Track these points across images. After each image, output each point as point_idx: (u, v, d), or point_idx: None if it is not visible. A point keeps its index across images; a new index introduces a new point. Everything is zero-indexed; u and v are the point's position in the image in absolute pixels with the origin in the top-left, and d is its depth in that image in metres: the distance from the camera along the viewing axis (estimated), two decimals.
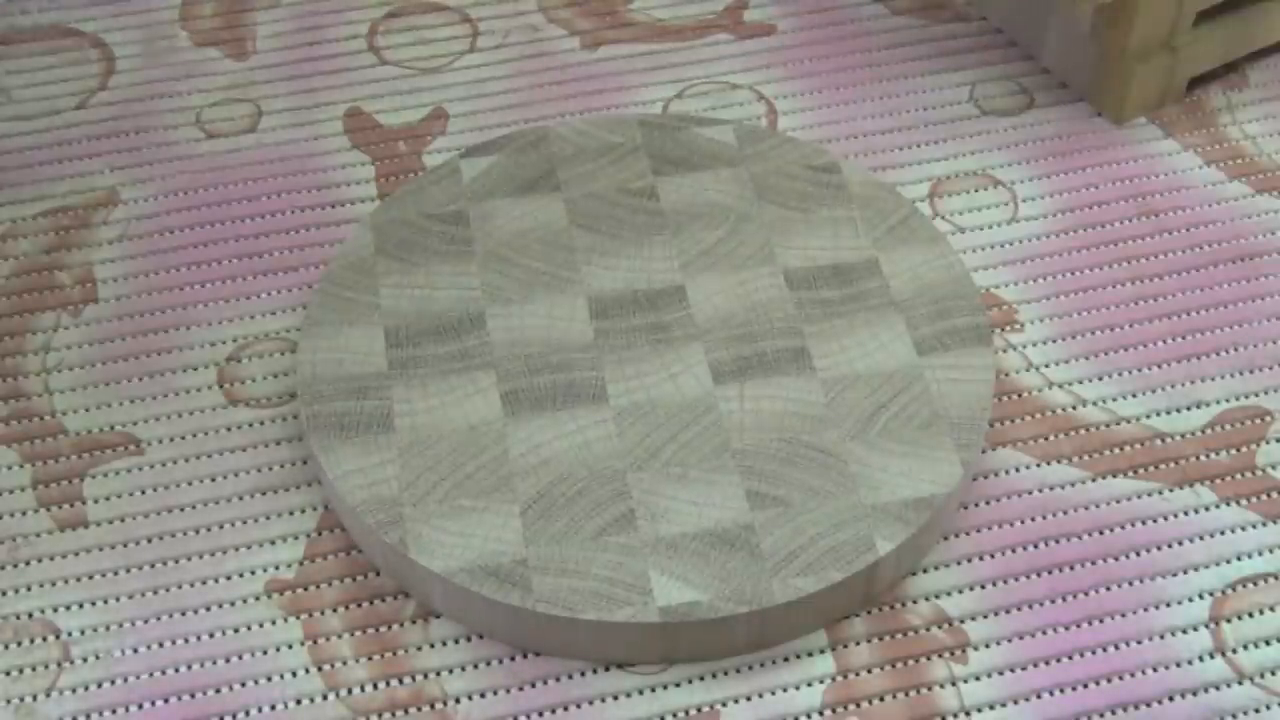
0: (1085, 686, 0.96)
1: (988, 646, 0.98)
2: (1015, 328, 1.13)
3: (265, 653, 0.98)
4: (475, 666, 0.97)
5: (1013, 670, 0.97)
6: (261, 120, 1.28)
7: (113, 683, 0.97)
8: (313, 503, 1.05)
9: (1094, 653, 0.97)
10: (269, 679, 0.97)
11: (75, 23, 1.36)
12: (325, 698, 0.96)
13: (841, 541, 0.98)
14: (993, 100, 1.30)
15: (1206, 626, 0.98)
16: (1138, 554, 1.02)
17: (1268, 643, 0.98)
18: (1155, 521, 1.03)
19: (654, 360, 1.07)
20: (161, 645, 0.98)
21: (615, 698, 0.96)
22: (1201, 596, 1.00)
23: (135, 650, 0.98)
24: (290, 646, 0.98)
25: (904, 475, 1.01)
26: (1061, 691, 0.96)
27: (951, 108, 1.29)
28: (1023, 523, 1.03)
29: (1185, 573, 1.01)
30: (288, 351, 1.13)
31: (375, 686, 0.96)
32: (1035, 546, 1.02)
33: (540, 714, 0.95)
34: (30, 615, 1.00)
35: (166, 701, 0.96)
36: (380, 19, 1.36)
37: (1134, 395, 1.10)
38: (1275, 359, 1.11)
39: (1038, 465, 1.06)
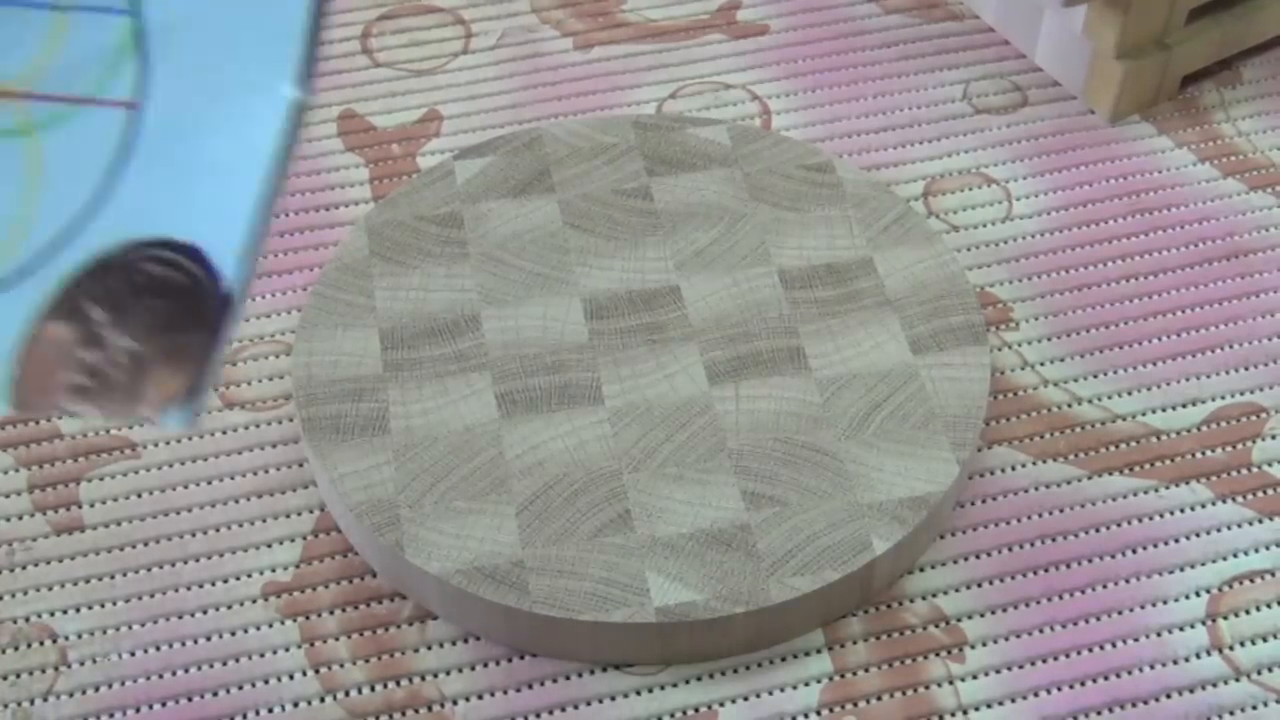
0: (1082, 684, 0.96)
1: (985, 645, 0.98)
2: (1010, 326, 1.14)
3: (263, 655, 0.98)
4: (472, 668, 0.97)
5: (1010, 669, 0.97)
6: None
7: (110, 686, 0.97)
8: (309, 505, 1.05)
9: (1091, 650, 0.97)
10: (266, 681, 0.97)
11: None
12: (323, 700, 0.96)
13: (838, 541, 0.98)
14: (986, 99, 1.30)
15: (1203, 624, 0.99)
16: (1134, 551, 1.02)
17: (1264, 639, 0.98)
18: (1151, 519, 1.03)
19: (649, 361, 1.07)
20: (159, 648, 0.98)
21: (612, 698, 0.96)
22: (1198, 594, 1.00)
23: (133, 654, 0.98)
24: (287, 649, 0.98)
25: (900, 474, 1.01)
26: (1059, 689, 0.96)
27: (945, 106, 1.29)
28: (1019, 521, 1.03)
29: (1182, 570, 1.01)
30: (283, 354, 1.13)
31: (373, 688, 0.96)
32: (1031, 544, 1.02)
33: (538, 715, 0.95)
34: (27, 619, 1.00)
35: (164, 705, 0.96)
36: (373, 21, 1.36)
37: (1129, 393, 1.10)
38: (1270, 356, 1.12)
39: (1033, 463, 1.06)
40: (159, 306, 0.68)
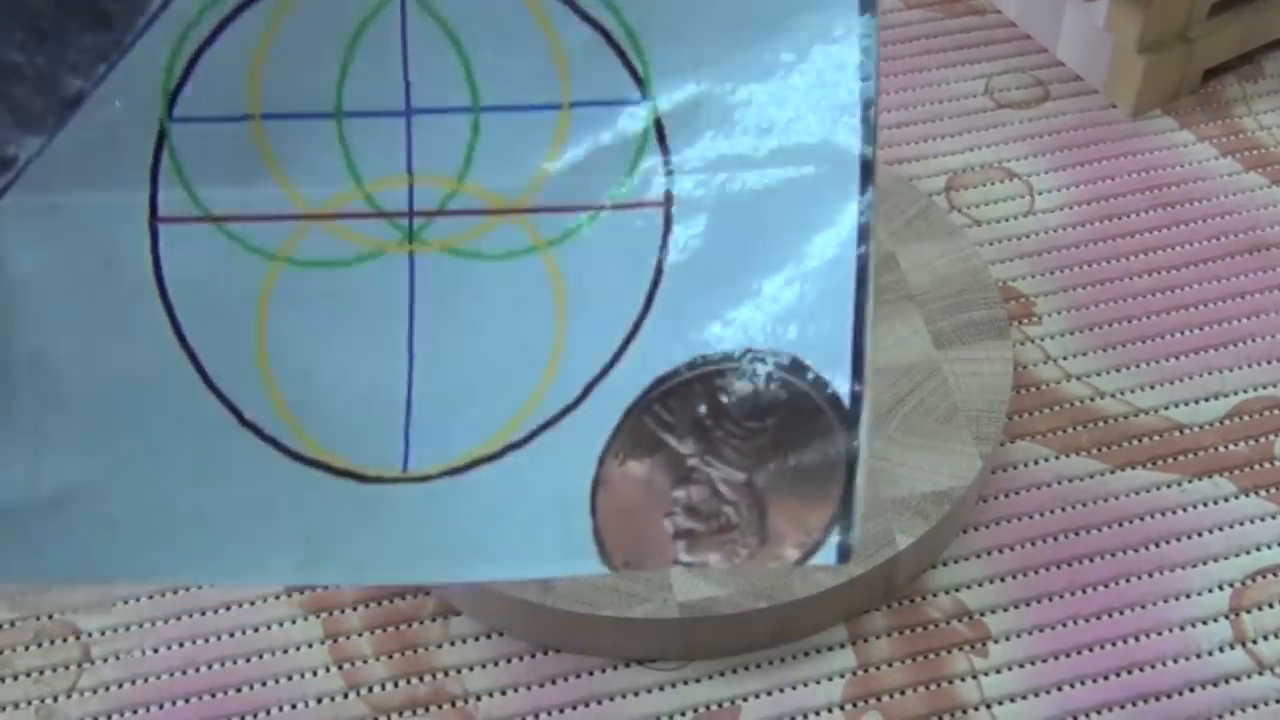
0: (1105, 678, 0.96)
1: (1008, 639, 0.97)
2: (1033, 320, 1.13)
3: (285, 651, 0.98)
4: (495, 664, 0.97)
5: (1033, 663, 0.97)
6: None
7: (133, 683, 0.97)
8: None
9: (1114, 644, 0.97)
10: (289, 678, 0.97)
11: None
12: (346, 696, 0.96)
13: (860, 535, 0.98)
14: (1008, 93, 1.30)
15: (1226, 618, 0.98)
16: (1157, 545, 1.02)
17: None
18: (1174, 513, 1.03)
19: None
20: (182, 645, 0.98)
21: (635, 694, 0.96)
22: (1221, 588, 1.00)
23: (155, 650, 0.98)
24: (310, 645, 0.98)
25: (923, 469, 1.00)
26: (1082, 683, 0.96)
27: (967, 100, 1.29)
28: (1041, 515, 1.03)
29: (1204, 564, 1.01)
30: None
31: (395, 684, 0.96)
32: (1054, 539, 1.02)
33: (560, 710, 0.95)
34: (50, 616, 1.00)
35: (187, 701, 0.96)
36: None
37: (1152, 387, 1.10)
38: None
39: (1056, 457, 1.06)
40: (758, 427, 0.59)
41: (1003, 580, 1.00)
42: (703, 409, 0.60)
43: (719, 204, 0.61)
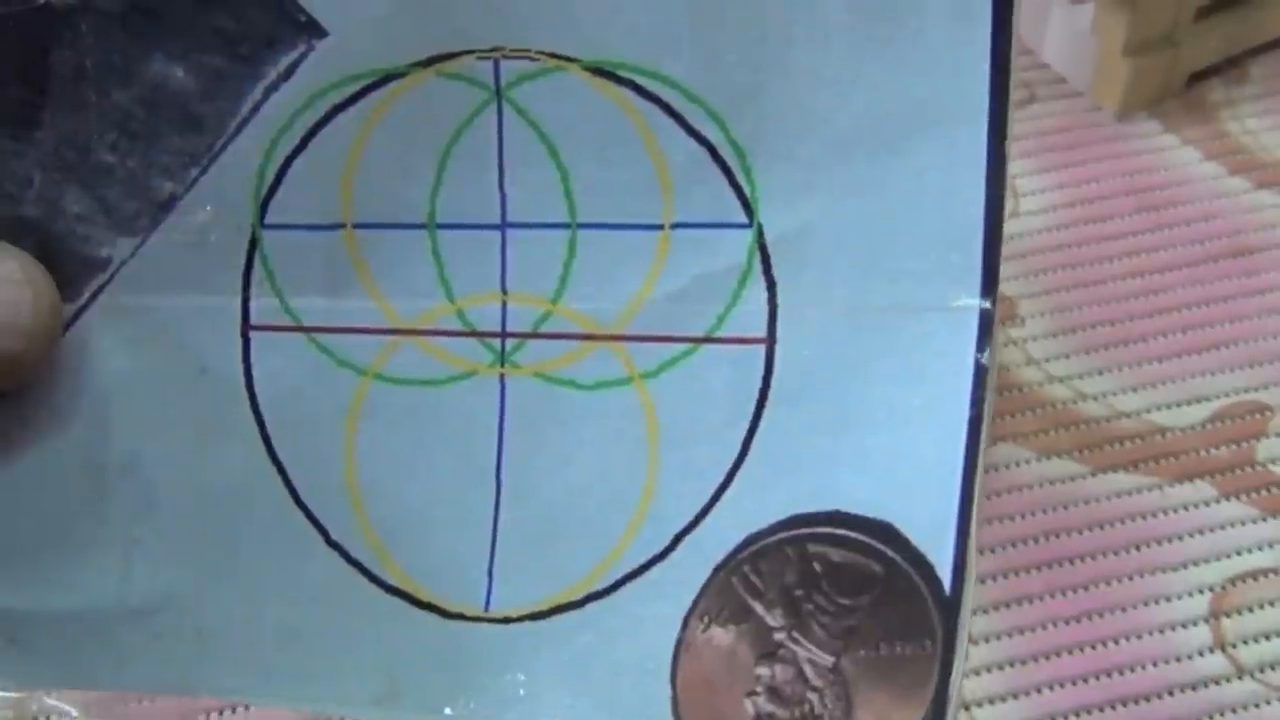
0: (1084, 681, 0.96)
1: (987, 641, 0.97)
2: (1016, 322, 1.13)
3: None
4: None
5: (1012, 665, 0.96)
6: None
7: None
8: None
9: (1093, 648, 0.97)
10: None
11: None
12: None
13: None
14: None
15: (1206, 622, 0.98)
16: (1137, 549, 1.02)
17: (1267, 638, 0.97)
18: (1155, 516, 1.03)
19: None
20: None
21: None
22: (1201, 592, 1.00)
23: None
24: None
25: None
26: (1061, 686, 0.95)
27: None
28: (1022, 517, 1.03)
29: (1185, 568, 1.01)
30: None
31: None
32: (1034, 541, 1.02)
33: None
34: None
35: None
36: None
37: (1134, 390, 1.09)
38: (1275, 354, 1.11)
39: (1037, 459, 1.06)
40: (850, 605, 0.56)
41: (982, 583, 1.00)
42: (794, 577, 0.57)
43: (824, 346, 0.58)
